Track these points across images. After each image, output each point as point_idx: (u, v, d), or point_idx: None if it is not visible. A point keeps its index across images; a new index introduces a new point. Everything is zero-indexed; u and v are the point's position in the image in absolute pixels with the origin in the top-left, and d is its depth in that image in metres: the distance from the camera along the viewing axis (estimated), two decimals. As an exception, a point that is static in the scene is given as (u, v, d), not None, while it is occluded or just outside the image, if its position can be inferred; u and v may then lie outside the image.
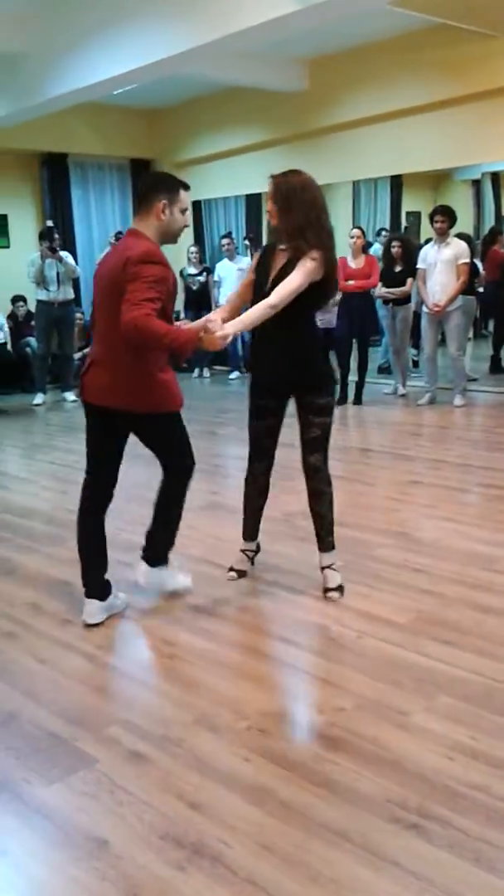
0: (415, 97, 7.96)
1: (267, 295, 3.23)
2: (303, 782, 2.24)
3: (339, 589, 3.53)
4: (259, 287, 3.37)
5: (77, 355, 9.94)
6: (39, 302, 8.78)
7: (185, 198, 3.19)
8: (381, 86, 8.15)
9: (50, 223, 9.06)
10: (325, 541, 3.60)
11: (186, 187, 3.21)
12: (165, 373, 3.20)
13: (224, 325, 3.09)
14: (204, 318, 3.15)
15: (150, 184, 3.20)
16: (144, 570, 3.50)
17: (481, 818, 2.06)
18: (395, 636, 3.10)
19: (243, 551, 3.81)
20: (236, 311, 3.41)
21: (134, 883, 1.90)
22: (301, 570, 3.83)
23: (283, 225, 3.27)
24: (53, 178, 10.38)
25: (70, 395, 8.98)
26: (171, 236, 3.19)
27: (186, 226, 3.26)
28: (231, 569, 3.76)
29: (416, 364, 9.36)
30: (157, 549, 3.49)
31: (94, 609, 3.32)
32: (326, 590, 3.53)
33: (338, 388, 3.56)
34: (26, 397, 9.18)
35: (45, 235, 8.65)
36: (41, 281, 8.62)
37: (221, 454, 6.15)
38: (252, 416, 3.61)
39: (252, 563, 3.83)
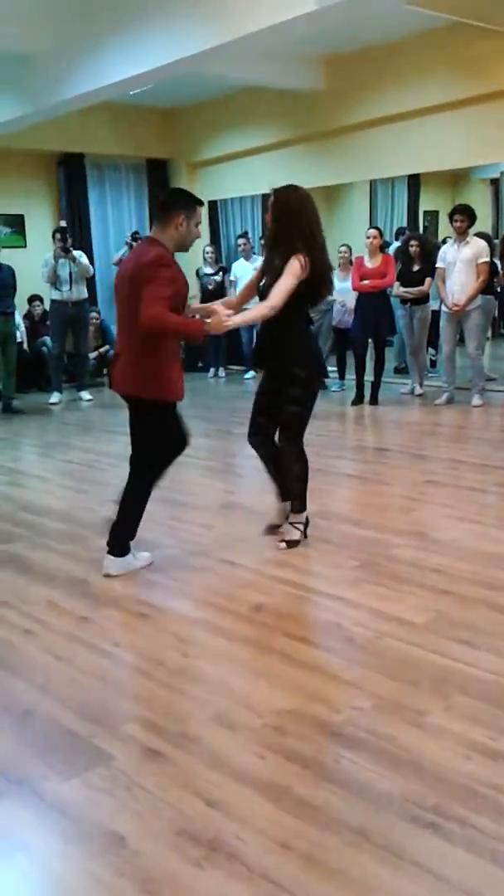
0: (432, 96, 7.93)
1: (262, 292, 3.82)
2: (320, 780, 2.24)
3: (291, 543, 4.02)
4: (258, 286, 3.94)
5: (92, 354, 9.98)
6: (53, 302, 8.81)
7: (200, 213, 3.61)
8: (399, 85, 8.13)
9: (63, 223, 9.08)
10: (292, 503, 4.09)
11: (202, 203, 3.65)
12: (172, 367, 3.59)
13: (231, 316, 3.55)
14: (210, 305, 3.69)
15: (170, 199, 3.61)
16: (111, 561, 3.78)
17: (499, 817, 2.05)
18: (413, 636, 3.09)
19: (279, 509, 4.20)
20: (243, 302, 4.16)
21: (151, 878, 1.90)
22: (317, 570, 3.83)
23: (277, 235, 3.78)
24: (70, 178, 10.43)
25: (86, 395, 9.00)
26: (185, 246, 3.60)
27: (199, 237, 3.70)
28: (268, 525, 4.21)
29: (433, 364, 9.33)
30: (121, 540, 3.78)
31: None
32: (281, 540, 4.05)
33: (318, 388, 4.21)
34: (43, 396, 9.22)
35: (57, 235, 8.67)
36: (55, 281, 8.65)
37: (237, 454, 6.15)
38: (256, 392, 4.13)
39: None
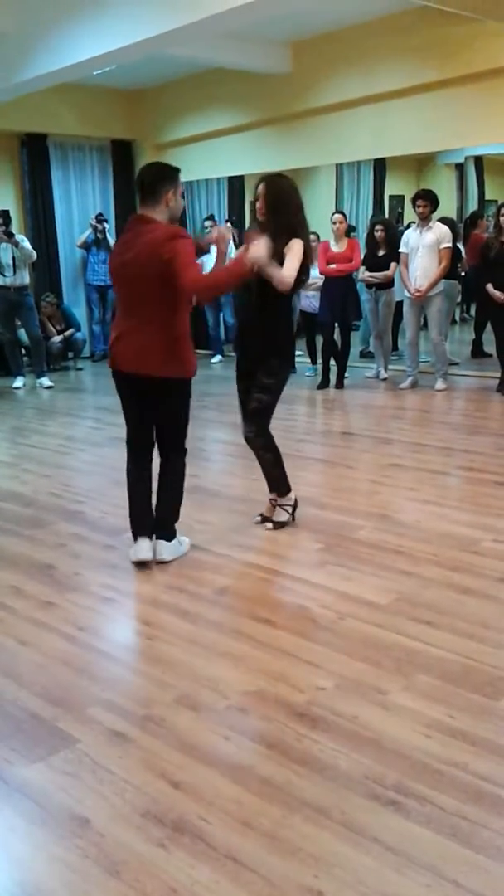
0: (398, 80, 7.92)
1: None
2: (283, 760, 2.26)
3: (278, 524, 4.12)
4: None
5: (57, 339, 9.87)
6: None
7: (180, 180, 3.51)
8: (365, 68, 8.11)
9: (5, 208, 8.91)
10: (278, 488, 4.16)
11: (179, 170, 3.52)
12: (188, 344, 3.56)
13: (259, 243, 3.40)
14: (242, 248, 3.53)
15: (155, 176, 3.46)
16: (164, 546, 3.73)
17: (458, 794, 2.09)
18: (375, 617, 3.12)
19: (270, 500, 4.21)
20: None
21: (115, 860, 1.91)
22: (281, 552, 3.85)
23: (272, 222, 3.77)
24: (33, 158, 10.26)
25: (45, 381, 8.90)
26: (175, 220, 3.53)
27: (184, 207, 3.52)
28: (260, 514, 4.23)
29: (395, 348, 9.38)
30: (171, 525, 3.77)
31: (143, 545, 3.68)
32: (268, 520, 4.17)
33: (288, 375, 4.20)
34: (7, 381, 9.13)
35: None
36: None
37: (203, 437, 6.15)
38: (237, 380, 4.15)
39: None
